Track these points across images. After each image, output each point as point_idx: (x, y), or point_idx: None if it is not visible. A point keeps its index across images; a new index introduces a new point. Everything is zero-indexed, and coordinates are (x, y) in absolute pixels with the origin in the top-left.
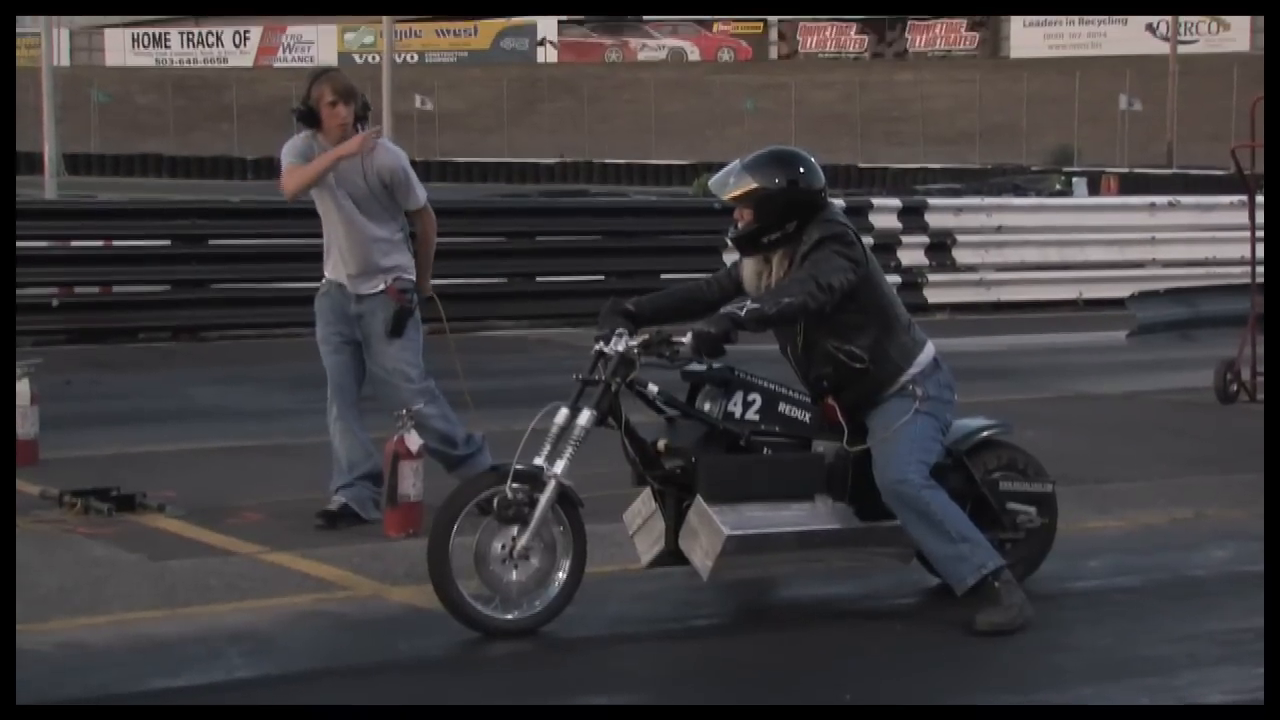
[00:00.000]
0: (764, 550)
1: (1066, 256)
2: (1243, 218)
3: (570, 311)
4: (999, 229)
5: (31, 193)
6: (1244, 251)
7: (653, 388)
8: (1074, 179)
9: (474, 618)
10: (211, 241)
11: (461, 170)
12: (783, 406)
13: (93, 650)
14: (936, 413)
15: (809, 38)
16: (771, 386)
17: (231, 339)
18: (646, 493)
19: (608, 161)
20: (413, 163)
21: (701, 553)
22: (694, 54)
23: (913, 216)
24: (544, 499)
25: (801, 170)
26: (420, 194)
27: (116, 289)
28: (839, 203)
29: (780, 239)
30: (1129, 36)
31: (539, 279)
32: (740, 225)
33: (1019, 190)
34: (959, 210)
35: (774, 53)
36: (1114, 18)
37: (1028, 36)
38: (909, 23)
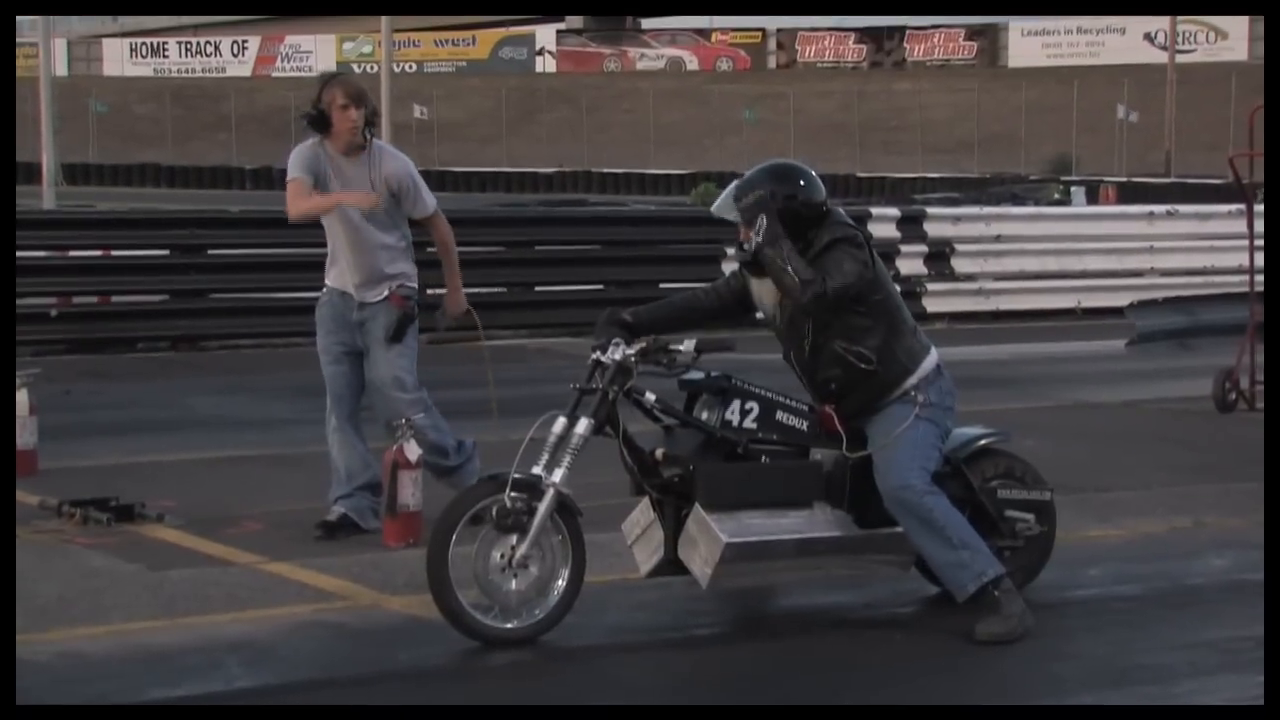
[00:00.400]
0: (763, 558)
1: (1065, 265)
2: (1241, 226)
3: (569, 321)
4: (997, 238)
5: (30, 203)
6: (1242, 260)
7: (650, 396)
8: (1072, 188)
9: (473, 627)
10: (210, 251)
11: (460, 180)
12: (780, 414)
13: (92, 660)
14: (937, 419)
15: (807, 47)
16: (769, 395)
17: (230, 349)
18: (645, 502)
19: (606, 171)
20: None
21: (700, 561)
22: (692, 64)
23: (911, 226)
24: (542, 508)
25: (802, 183)
26: (429, 201)
27: (115, 299)
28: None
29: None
30: (1127, 46)
31: (538, 288)
32: (746, 246)
33: (1017, 199)
34: (957, 219)
35: (772, 62)
36: (1112, 27)
37: (1026, 46)
38: (907, 32)
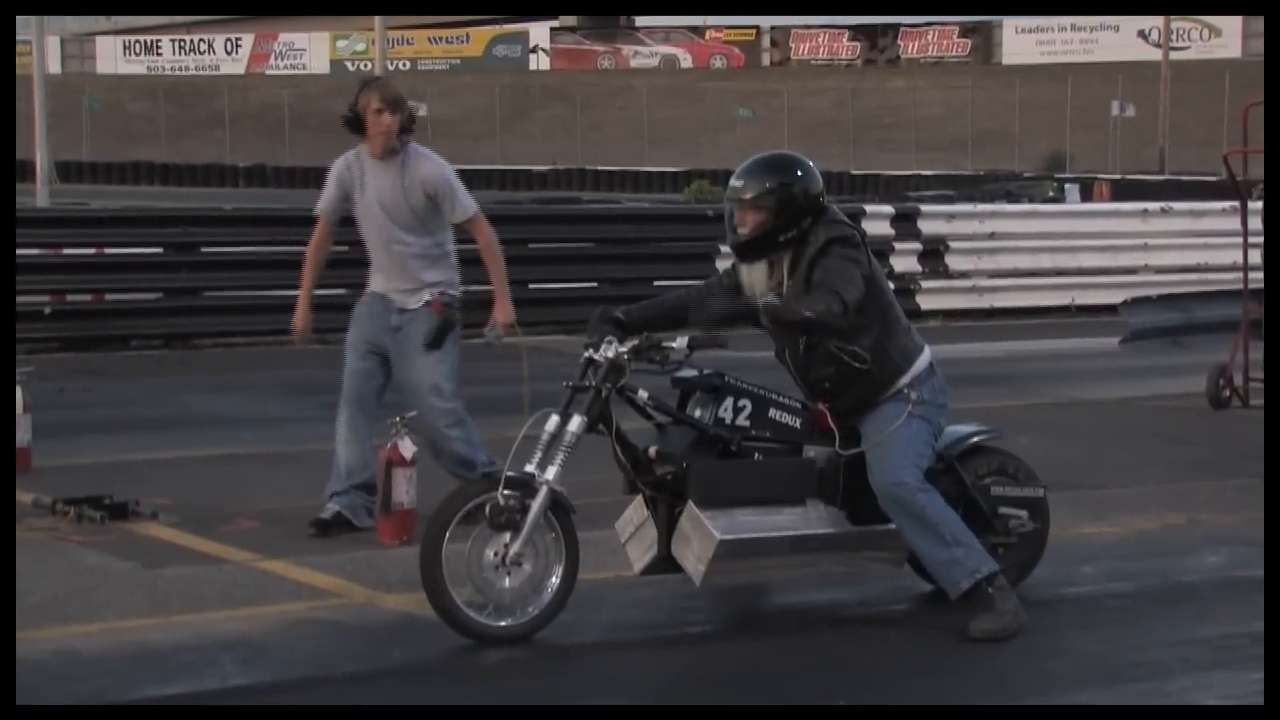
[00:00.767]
0: (756, 555)
1: (1059, 263)
2: (1235, 223)
3: (563, 318)
4: (992, 235)
5: (24, 200)
6: (1236, 257)
7: (643, 394)
8: (1066, 185)
9: (467, 625)
10: (204, 249)
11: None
12: (773, 412)
13: (86, 658)
14: (930, 417)
15: (801, 45)
16: (761, 392)
17: (224, 346)
18: (638, 500)
19: (600, 168)
20: None
21: (694, 558)
22: (686, 61)
23: (905, 223)
24: (536, 506)
25: (800, 174)
26: (467, 204)
27: (109, 297)
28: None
29: (786, 242)
30: (1121, 43)
31: (531, 286)
32: (741, 231)
33: (1011, 196)
34: (952, 217)
35: (766, 60)
36: (1106, 24)
37: (1020, 43)
38: (901, 29)
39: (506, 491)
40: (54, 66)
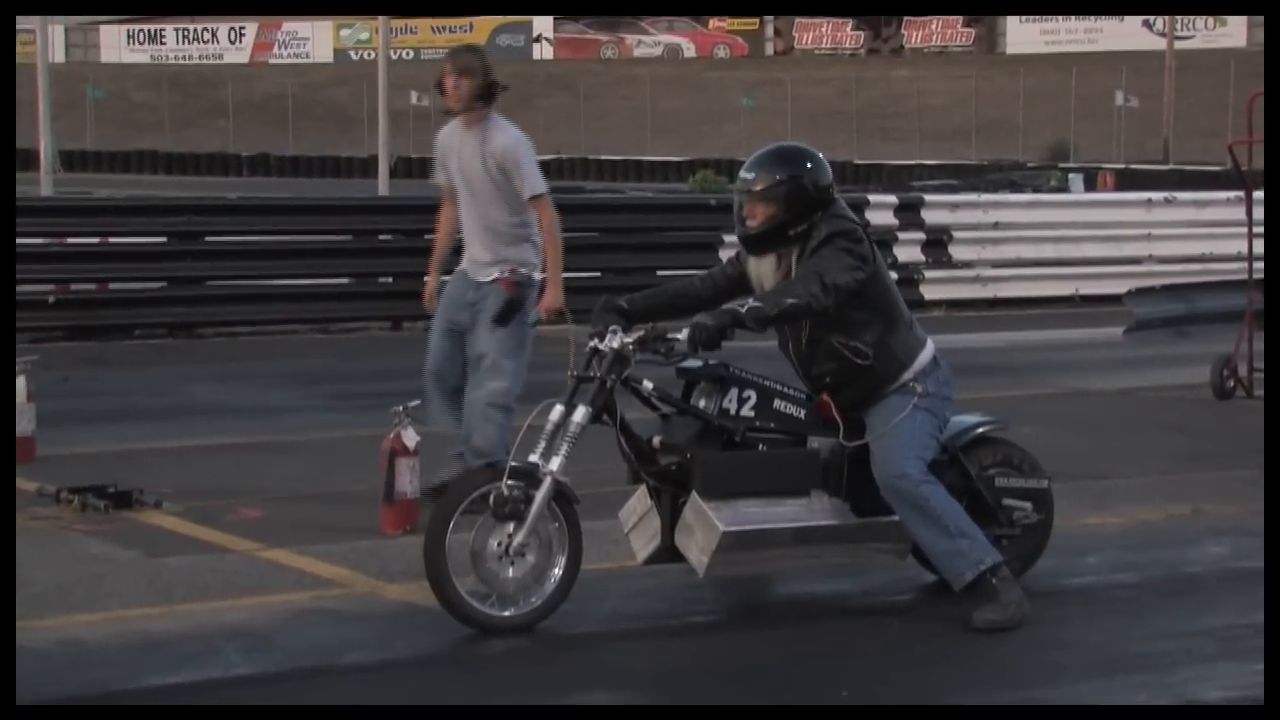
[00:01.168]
0: (760, 546)
1: (1063, 253)
2: (1239, 214)
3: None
4: (995, 225)
5: (27, 189)
6: (1240, 247)
7: (648, 384)
8: (1070, 175)
9: (470, 614)
10: (208, 238)
11: None
12: (778, 403)
13: (90, 647)
14: (935, 409)
15: (805, 34)
16: (767, 383)
17: (228, 336)
18: (642, 490)
19: (604, 158)
20: (407, 160)
21: (697, 549)
22: (690, 50)
23: (909, 213)
24: (540, 496)
25: (810, 165)
26: (534, 182)
27: (113, 286)
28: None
29: (795, 236)
30: (1125, 32)
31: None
32: (751, 224)
33: (1015, 186)
34: (955, 206)
35: (770, 49)
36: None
37: (1024, 33)
38: (905, 19)
39: (510, 482)
40: (58, 55)
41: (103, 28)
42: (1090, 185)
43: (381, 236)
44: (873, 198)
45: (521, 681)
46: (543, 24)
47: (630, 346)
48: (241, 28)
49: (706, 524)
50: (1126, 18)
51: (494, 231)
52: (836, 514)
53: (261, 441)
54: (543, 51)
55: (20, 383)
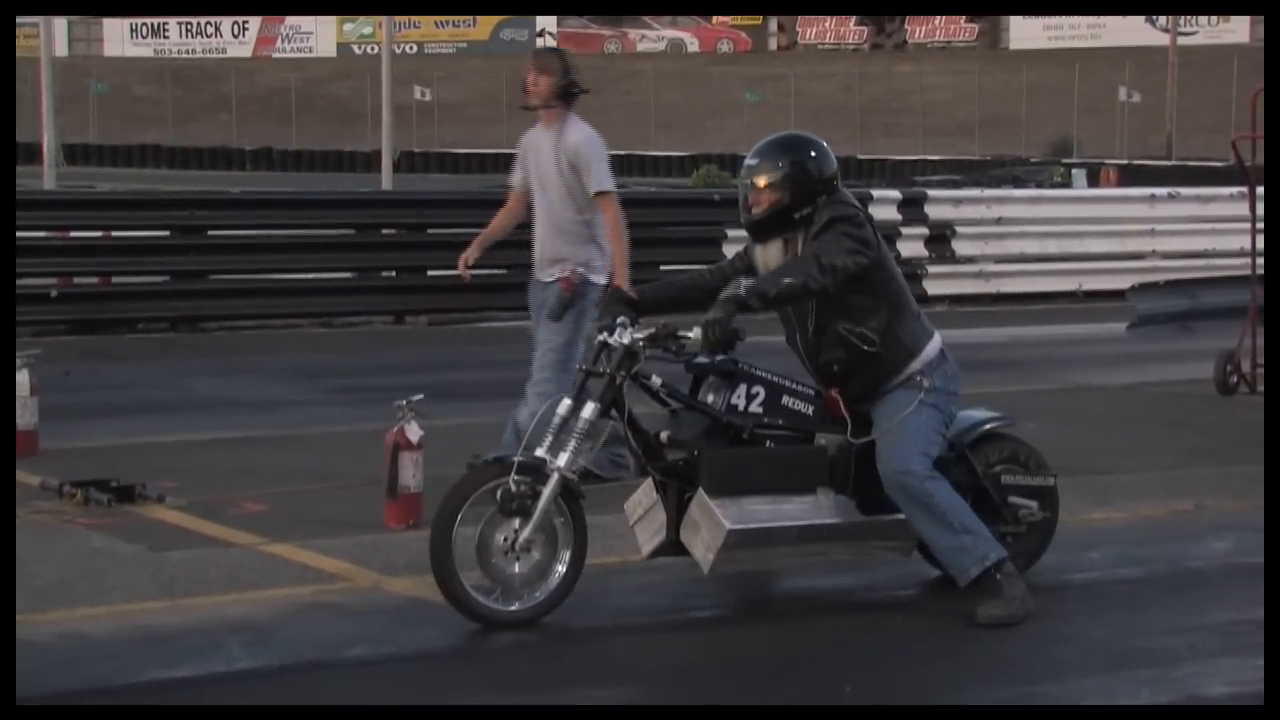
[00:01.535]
0: (765, 544)
1: (1066, 248)
2: (1242, 209)
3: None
4: (998, 220)
5: (30, 183)
6: (1244, 243)
7: (656, 380)
8: (1073, 170)
9: (475, 609)
10: (210, 232)
11: (461, 161)
12: (786, 399)
13: (93, 641)
14: (941, 405)
15: (808, 29)
16: (775, 379)
17: (230, 330)
18: (648, 483)
19: (607, 153)
20: (410, 154)
21: (703, 546)
22: (693, 45)
23: (912, 208)
24: (547, 492)
25: (813, 153)
26: (601, 178)
27: (115, 279)
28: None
29: (799, 220)
30: (1128, 28)
31: None
32: (756, 210)
33: (1018, 182)
34: (958, 202)
35: (773, 44)
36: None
37: (1027, 28)
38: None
39: (518, 477)
40: (60, 49)
41: (105, 21)
42: (1093, 181)
43: (384, 231)
44: (876, 193)
45: (525, 676)
46: (546, 19)
47: (640, 343)
48: (245, 22)
49: (712, 521)
50: (1126, 16)
51: (561, 229)
52: (842, 512)
53: (264, 435)
54: (545, 45)
55: (23, 376)
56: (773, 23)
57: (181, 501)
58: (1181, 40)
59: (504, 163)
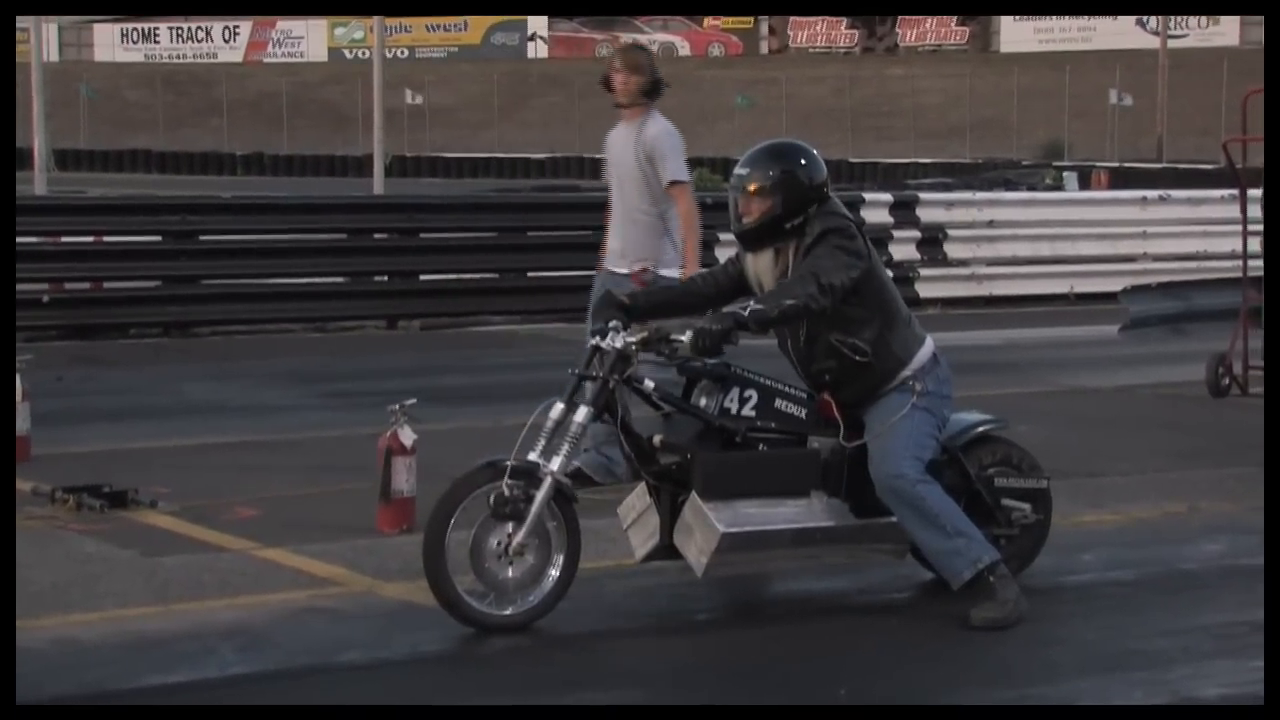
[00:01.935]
0: (759, 547)
1: (1058, 251)
2: (1233, 211)
3: (562, 306)
4: (990, 223)
5: (22, 188)
6: (1235, 245)
7: (649, 383)
8: (1065, 173)
9: (469, 613)
10: (202, 237)
11: (452, 165)
12: (779, 402)
13: (86, 647)
14: (934, 408)
15: (799, 33)
16: (768, 382)
17: (223, 334)
18: (641, 487)
19: (599, 157)
20: (402, 158)
21: (696, 549)
22: (684, 49)
23: (904, 211)
24: (540, 496)
25: (804, 161)
26: (676, 169)
27: (107, 285)
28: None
29: (790, 230)
30: (1119, 30)
31: (530, 274)
32: (747, 220)
33: (1010, 185)
34: (950, 205)
35: (764, 48)
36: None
37: (1018, 31)
38: (899, 17)
39: (511, 481)
40: (52, 54)
41: (96, 26)
42: (1085, 183)
43: (377, 235)
44: (868, 196)
45: (519, 680)
46: (537, 22)
47: (633, 346)
48: (236, 26)
49: (706, 525)
50: (1120, 16)
51: (634, 221)
52: (836, 515)
53: (257, 440)
54: (537, 50)
55: (16, 382)
56: (764, 26)
57: (174, 507)
58: (1171, 43)
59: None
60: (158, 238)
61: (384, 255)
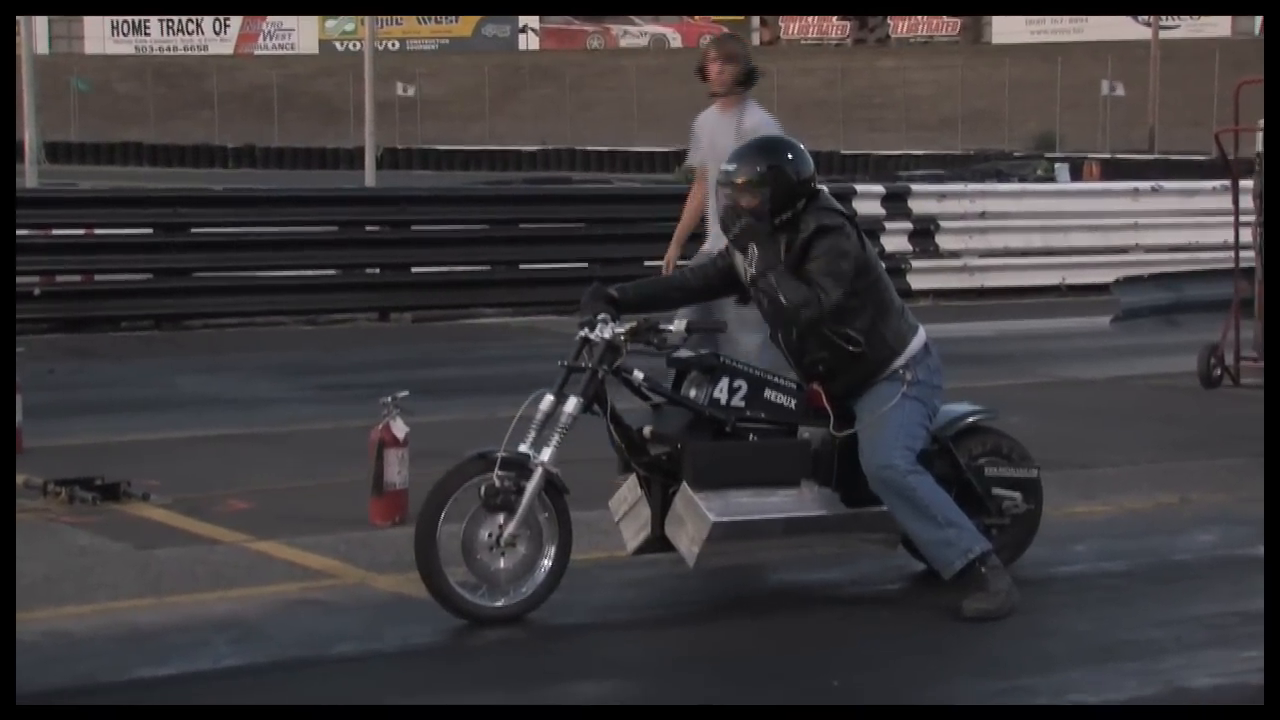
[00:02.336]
0: (750, 537)
1: (1050, 242)
2: (1225, 202)
3: (554, 299)
4: (982, 215)
5: None
6: (1227, 236)
7: (639, 374)
8: (1057, 164)
9: (461, 605)
10: (194, 230)
11: (444, 158)
12: (768, 393)
13: (78, 639)
14: (924, 398)
15: (791, 24)
16: (757, 373)
17: (214, 327)
18: (632, 479)
19: (590, 149)
20: (393, 150)
21: (688, 539)
22: (676, 41)
23: (896, 203)
24: (531, 487)
25: (790, 156)
26: None
27: (98, 278)
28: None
29: (781, 225)
30: (1110, 21)
31: (522, 266)
32: (744, 219)
33: (1002, 176)
34: (942, 196)
35: (756, 39)
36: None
37: (1010, 22)
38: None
39: (501, 473)
40: (41, 47)
41: (86, 19)
42: (1076, 175)
43: (368, 228)
44: (859, 188)
45: (512, 672)
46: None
47: (622, 337)
48: (226, 19)
49: (697, 514)
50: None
51: None
52: (827, 504)
53: (249, 433)
54: (528, 42)
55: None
56: (755, 18)
57: (167, 499)
58: (1163, 34)
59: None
60: (149, 230)
61: (375, 248)
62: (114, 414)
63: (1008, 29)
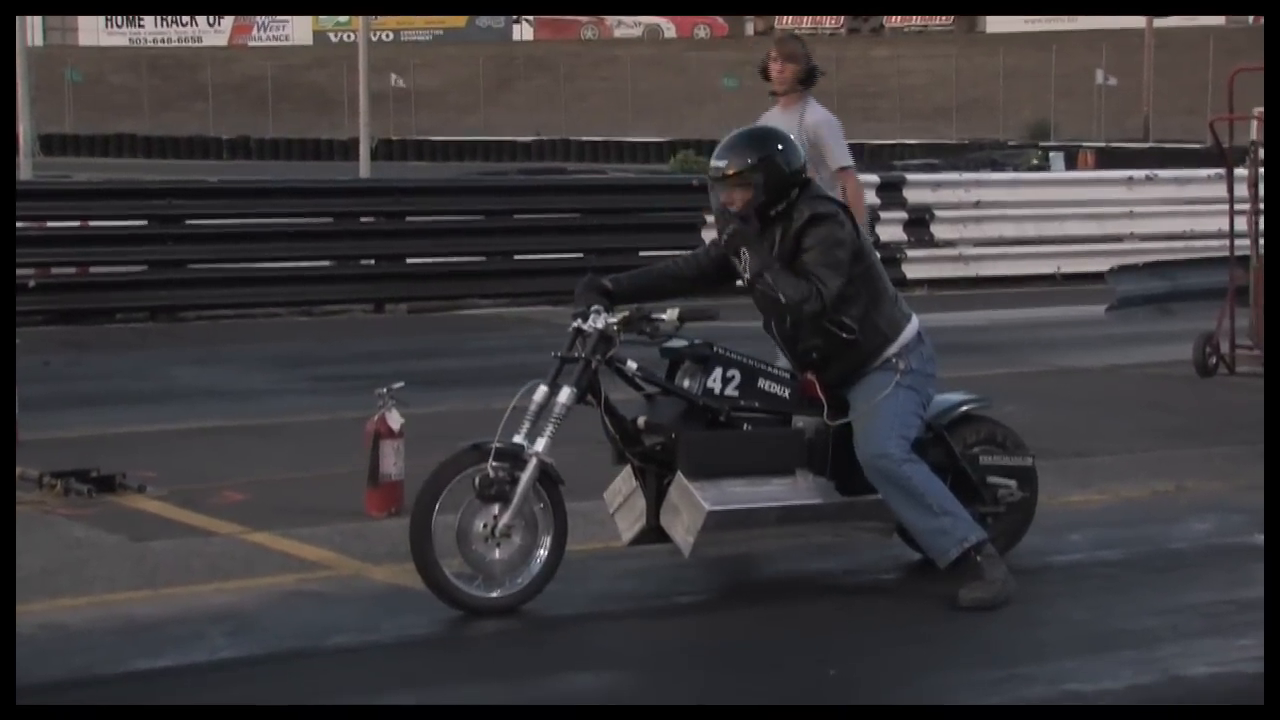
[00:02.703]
0: (745, 525)
1: (1044, 231)
2: (1220, 191)
3: (548, 289)
4: (977, 204)
5: None
6: (1222, 224)
7: (632, 364)
8: (1051, 153)
9: (456, 596)
10: (189, 221)
11: (438, 149)
12: (762, 382)
13: (74, 631)
14: (918, 386)
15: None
16: (751, 362)
17: (209, 319)
18: (627, 470)
19: (585, 139)
20: (388, 141)
21: (683, 529)
22: (670, 31)
23: (891, 192)
24: (525, 477)
25: (780, 147)
26: (842, 155)
27: (93, 270)
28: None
29: (775, 216)
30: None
31: (517, 257)
32: (730, 210)
33: (996, 165)
34: (937, 186)
35: (750, 29)
36: None
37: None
38: None
39: (496, 463)
40: (36, 39)
41: None
42: (1071, 164)
43: (363, 219)
44: None
45: (508, 663)
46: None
47: (615, 327)
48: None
49: (692, 504)
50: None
51: None
52: (821, 493)
53: (245, 425)
54: (523, 32)
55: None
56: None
57: (162, 491)
58: (1157, 22)
59: (482, 150)
60: (144, 222)
61: (370, 239)
62: (109, 406)
63: (1001, 17)
